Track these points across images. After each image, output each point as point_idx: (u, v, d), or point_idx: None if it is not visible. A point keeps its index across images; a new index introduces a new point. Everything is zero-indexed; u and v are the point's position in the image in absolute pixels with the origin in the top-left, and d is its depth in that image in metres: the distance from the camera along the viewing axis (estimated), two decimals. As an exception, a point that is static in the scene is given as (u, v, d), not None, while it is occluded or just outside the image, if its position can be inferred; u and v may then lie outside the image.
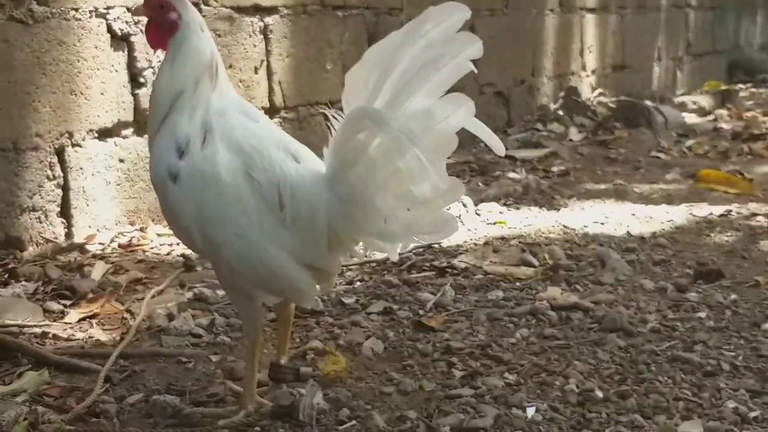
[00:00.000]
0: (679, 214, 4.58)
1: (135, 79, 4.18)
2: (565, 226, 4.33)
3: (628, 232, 4.21)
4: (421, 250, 3.78)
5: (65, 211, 3.89)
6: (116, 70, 4.10)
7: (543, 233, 4.21)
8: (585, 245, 3.98)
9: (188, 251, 3.69)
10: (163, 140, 2.20)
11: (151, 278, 3.48)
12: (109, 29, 4.05)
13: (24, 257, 3.61)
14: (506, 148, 2.31)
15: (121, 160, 4.14)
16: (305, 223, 2.18)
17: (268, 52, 4.91)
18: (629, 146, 6.78)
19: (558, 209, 4.73)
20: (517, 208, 4.74)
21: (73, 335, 2.90)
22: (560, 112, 7.53)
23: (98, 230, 4.00)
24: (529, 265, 3.65)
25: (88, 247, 3.81)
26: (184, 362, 2.68)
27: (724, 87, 9.81)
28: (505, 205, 4.78)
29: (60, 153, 3.87)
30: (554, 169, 5.78)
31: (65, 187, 3.88)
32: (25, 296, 3.18)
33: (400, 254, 2.37)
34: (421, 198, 2.16)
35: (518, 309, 3.13)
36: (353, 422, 2.29)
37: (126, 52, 4.13)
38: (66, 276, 3.42)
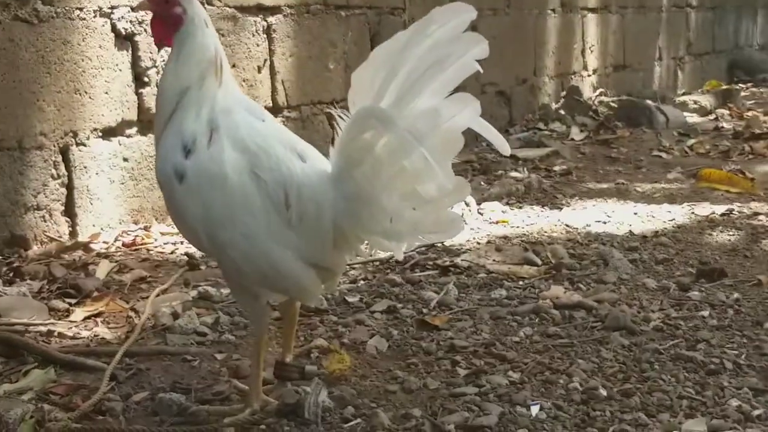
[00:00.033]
0: (681, 213, 4.60)
1: (139, 79, 4.20)
2: (567, 225, 4.34)
3: (630, 231, 4.22)
4: (424, 249, 3.79)
5: (69, 210, 3.91)
6: (120, 70, 4.11)
7: (545, 232, 4.22)
8: (587, 244, 4.00)
9: (192, 250, 3.71)
10: (170, 138, 2.20)
11: (155, 277, 3.50)
12: (114, 29, 4.06)
13: (29, 256, 3.63)
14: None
15: (125, 159, 4.15)
16: (311, 222, 2.19)
17: (271, 52, 4.92)
18: (631, 145, 6.79)
19: (560, 208, 4.75)
20: (520, 207, 4.75)
21: (78, 333, 2.91)
22: (562, 112, 7.54)
23: (102, 229, 4.02)
24: (532, 264, 3.67)
25: (92, 245, 3.83)
26: (189, 360, 2.69)
27: (724, 86, 9.82)
28: (507, 204, 4.79)
29: (64, 152, 3.88)
30: (556, 168, 5.79)
31: (69, 186, 3.90)
32: (30, 295, 3.19)
33: (404, 253, 2.37)
34: (426, 197, 2.17)
35: (521, 308, 3.14)
36: (358, 420, 2.30)
37: (130, 52, 4.15)
38: (71, 274, 3.43)
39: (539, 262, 3.69)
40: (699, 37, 11.03)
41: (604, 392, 2.45)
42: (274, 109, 4.94)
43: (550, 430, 2.26)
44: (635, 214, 4.61)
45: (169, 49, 2.31)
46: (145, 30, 4.17)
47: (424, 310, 3.13)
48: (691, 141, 6.89)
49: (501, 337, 2.88)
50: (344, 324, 2.99)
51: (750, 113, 8.39)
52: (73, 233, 3.91)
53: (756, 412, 2.34)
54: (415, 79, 2.11)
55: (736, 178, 5.29)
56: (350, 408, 2.35)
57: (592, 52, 8.51)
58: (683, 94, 9.78)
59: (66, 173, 3.88)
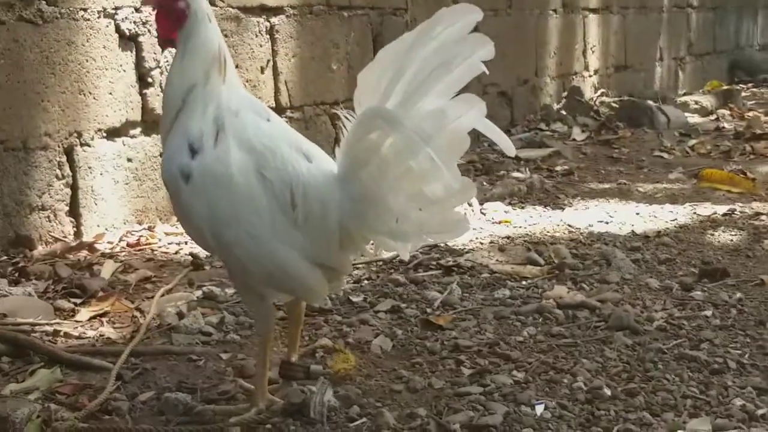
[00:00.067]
0: (683, 214, 4.61)
1: (143, 79, 4.21)
2: (569, 225, 4.36)
3: (632, 231, 4.23)
4: (427, 249, 3.80)
5: (74, 210, 3.92)
6: (124, 70, 4.12)
7: (548, 232, 4.24)
8: (590, 244, 4.01)
9: (197, 250, 3.72)
10: (176, 138, 2.20)
11: (160, 277, 3.51)
12: (117, 29, 4.07)
13: (34, 256, 3.64)
14: (512, 149, 2.32)
15: (129, 160, 4.16)
16: (317, 222, 2.20)
17: (274, 52, 4.93)
18: (632, 146, 6.80)
19: (562, 208, 4.76)
20: (522, 208, 4.76)
21: (84, 333, 2.92)
22: (563, 112, 7.56)
23: (107, 229, 4.03)
24: (535, 263, 3.68)
25: (96, 246, 3.84)
26: (194, 360, 2.70)
27: (725, 87, 9.83)
28: (509, 204, 4.81)
29: (69, 152, 3.89)
30: (558, 168, 5.81)
31: (74, 187, 3.91)
32: (35, 295, 3.20)
33: (409, 253, 2.38)
34: (433, 198, 2.18)
35: (525, 307, 3.15)
36: (364, 419, 2.31)
37: (134, 52, 4.16)
38: (76, 275, 3.44)
39: (542, 262, 3.70)
40: (700, 38, 11.05)
41: (608, 392, 2.46)
42: (277, 110, 4.95)
43: (555, 430, 2.27)
44: (637, 214, 4.63)
45: (173, 50, 2.31)
46: (149, 31, 4.18)
47: (428, 310, 3.14)
48: (693, 141, 6.90)
49: (505, 337, 2.89)
50: (349, 324, 3.00)
51: (751, 113, 8.41)
52: (77, 233, 3.92)
53: (760, 412, 2.35)
54: (422, 80, 2.11)
55: (738, 179, 5.30)
56: (355, 407, 2.36)
57: (593, 52, 8.52)
58: (684, 94, 9.79)
59: (70, 173, 3.89)
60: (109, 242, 3.93)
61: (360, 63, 5.52)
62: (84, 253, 3.75)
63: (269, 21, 4.89)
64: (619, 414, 2.35)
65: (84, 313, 3.07)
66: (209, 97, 2.20)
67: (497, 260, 3.75)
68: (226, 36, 4.49)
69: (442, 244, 3.86)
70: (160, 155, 4.24)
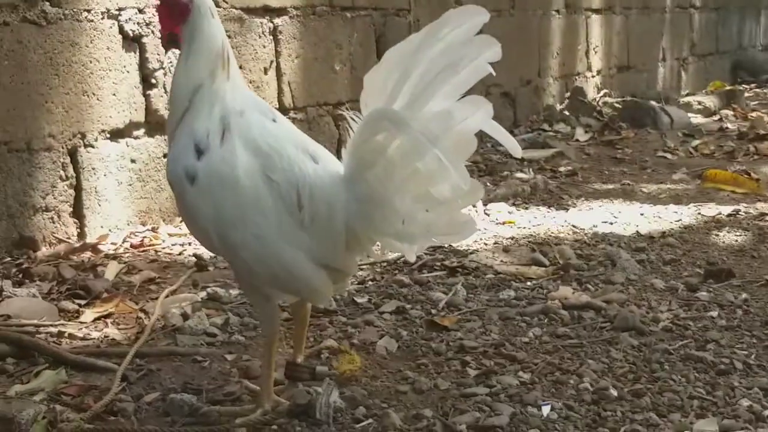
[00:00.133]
0: (687, 214, 4.60)
1: (146, 80, 4.20)
2: (574, 226, 4.35)
3: (637, 232, 4.23)
4: (431, 250, 3.79)
5: (78, 212, 3.92)
6: (128, 71, 4.12)
7: (552, 233, 4.23)
8: (595, 245, 4.00)
9: (200, 251, 3.72)
10: (182, 139, 2.20)
11: (164, 278, 3.50)
12: (121, 30, 4.07)
13: (38, 257, 3.63)
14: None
15: (133, 161, 4.16)
16: (323, 223, 2.19)
17: (277, 53, 4.93)
18: (635, 146, 6.79)
19: (566, 209, 4.75)
20: (526, 208, 4.76)
21: (88, 334, 2.92)
22: (566, 113, 7.55)
23: (110, 230, 4.03)
24: (540, 264, 3.67)
25: (100, 247, 3.83)
26: (199, 361, 2.70)
27: (728, 87, 9.82)
28: (513, 205, 4.80)
29: (72, 153, 3.89)
30: (561, 169, 5.80)
31: (78, 188, 3.91)
32: (40, 296, 3.20)
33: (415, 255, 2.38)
34: (440, 199, 2.17)
35: (530, 308, 3.14)
36: (370, 420, 2.30)
37: (137, 53, 4.16)
38: (80, 276, 3.44)
39: (547, 262, 3.69)
40: (702, 38, 11.04)
41: (614, 392, 2.45)
42: (280, 111, 4.88)
43: (562, 430, 2.27)
44: (641, 214, 4.62)
45: (177, 52, 2.31)
46: (153, 32, 4.18)
47: (433, 311, 3.13)
48: (696, 142, 6.90)
49: (510, 338, 2.88)
50: (353, 325, 2.99)
51: (754, 114, 8.39)
52: (81, 234, 3.92)
53: (767, 412, 2.35)
54: (428, 81, 2.11)
55: (742, 179, 5.29)
56: (361, 408, 2.35)
57: (596, 53, 8.52)
58: (687, 94, 9.78)
59: (74, 175, 3.89)
60: (112, 243, 3.92)
61: (363, 64, 5.53)
62: (88, 254, 3.75)
63: (272, 22, 4.89)
64: (626, 415, 2.35)
65: (88, 315, 3.06)
66: (215, 97, 2.20)
67: (502, 261, 3.74)
68: (229, 37, 4.46)
69: (446, 245, 3.85)
70: (164, 156, 4.24)
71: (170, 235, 4.12)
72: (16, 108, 3.66)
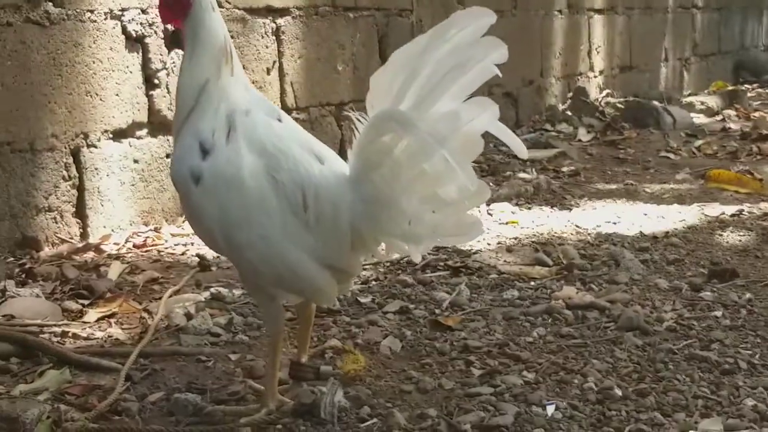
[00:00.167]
0: (691, 214, 4.60)
1: (149, 81, 4.20)
2: (577, 226, 4.35)
3: (640, 232, 4.22)
4: (435, 249, 3.79)
5: (80, 212, 3.92)
6: (131, 72, 4.12)
7: (555, 233, 4.23)
8: (598, 245, 4.00)
9: (203, 251, 3.72)
10: (187, 138, 2.20)
11: (167, 278, 3.50)
12: (124, 31, 4.07)
13: (40, 257, 3.64)
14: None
15: (136, 161, 4.16)
16: (329, 224, 2.19)
17: (280, 54, 4.93)
18: (638, 146, 6.79)
19: (569, 209, 4.75)
20: (529, 208, 4.75)
21: (92, 334, 2.92)
22: (569, 113, 7.54)
23: (113, 230, 4.03)
24: (543, 264, 3.67)
25: (103, 247, 3.83)
26: (203, 361, 2.69)
27: (730, 87, 9.81)
28: (516, 205, 4.80)
29: (75, 154, 3.89)
30: (564, 169, 5.80)
31: (80, 188, 3.91)
32: (43, 296, 3.20)
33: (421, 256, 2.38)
34: (447, 200, 2.17)
35: (534, 308, 3.14)
36: (374, 420, 2.30)
37: (140, 54, 4.15)
38: (83, 276, 3.43)
39: (550, 262, 3.69)
40: (705, 38, 11.03)
41: (619, 392, 2.45)
42: (283, 111, 4.94)
43: (567, 430, 2.27)
44: (645, 214, 4.62)
45: (180, 52, 2.31)
46: (156, 32, 4.18)
47: (437, 311, 3.13)
48: (699, 142, 6.89)
49: (514, 338, 2.88)
50: (357, 324, 2.99)
51: (757, 114, 8.39)
52: (84, 235, 3.92)
53: (772, 412, 2.34)
54: (435, 82, 2.10)
55: (745, 179, 5.29)
56: (366, 408, 2.35)
57: (598, 53, 8.51)
58: (689, 95, 9.78)
59: (77, 175, 3.89)
60: (115, 243, 3.92)
61: (366, 64, 5.53)
62: (90, 254, 3.75)
63: (275, 22, 4.89)
64: (631, 414, 2.34)
65: (92, 314, 3.06)
66: (222, 94, 2.19)
67: (505, 261, 3.74)
68: (232, 37, 4.46)
69: (450, 246, 3.84)
70: (167, 156, 4.25)
71: (173, 235, 4.12)
72: (19, 108, 3.66)
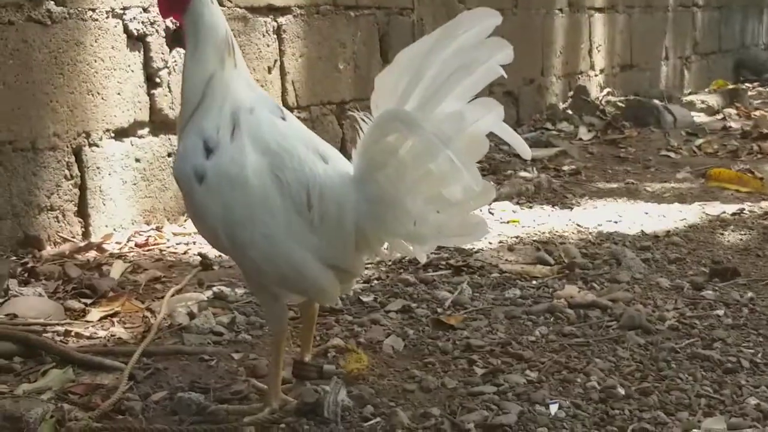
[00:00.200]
0: (692, 213, 4.60)
1: (151, 79, 4.20)
2: (578, 225, 4.35)
3: (642, 231, 4.22)
4: (437, 248, 3.78)
5: (82, 211, 3.92)
6: (132, 70, 4.12)
7: (557, 232, 4.23)
8: (599, 244, 4.00)
9: (205, 250, 3.72)
10: (191, 137, 2.19)
11: (169, 277, 3.50)
12: (126, 29, 4.07)
13: (43, 256, 3.63)
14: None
15: (138, 160, 4.16)
16: (333, 223, 2.19)
17: (281, 52, 4.93)
18: (639, 145, 6.79)
19: (571, 208, 4.75)
20: (530, 207, 4.76)
21: (95, 333, 2.92)
22: (569, 112, 7.55)
23: (115, 229, 4.03)
24: (545, 263, 3.67)
25: (105, 246, 3.83)
26: (206, 360, 2.70)
27: (731, 86, 9.81)
28: (517, 204, 4.80)
29: (77, 153, 3.89)
30: (565, 168, 5.80)
31: (82, 187, 3.91)
32: (45, 295, 3.20)
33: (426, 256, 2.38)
34: (452, 200, 2.17)
35: (536, 307, 3.14)
36: (378, 419, 2.30)
37: (142, 52, 4.16)
38: (85, 275, 3.43)
39: (552, 261, 3.69)
40: (705, 37, 11.03)
41: (622, 391, 2.45)
42: (285, 110, 4.94)
43: (570, 429, 2.27)
44: (646, 213, 4.62)
45: (182, 51, 2.31)
46: (157, 31, 4.18)
47: (439, 310, 3.13)
48: (700, 140, 6.89)
49: (517, 337, 2.88)
50: (360, 323, 2.99)
51: (757, 113, 8.39)
52: (85, 234, 3.92)
53: (775, 411, 2.35)
54: (441, 83, 2.11)
55: (746, 178, 5.30)
56: (369, 407, 2.35)
57: (599, 51, 8.51)
58: (690, 93, 9.78)
59: (79, 174, 3.89)
60: (117, 242, 3.92)
61: (367, 63, 5.53)
62: (93, 253, 3.75)
63: (276, 21, 4.89)
64: (634, 413, 2.35)
65: (94, 314, 3.06)
66: (226, 90, 2.19)
67: (507, 260, 3.74)
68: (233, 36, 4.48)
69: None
70: (168, 155, 4.25)
71: (175, 234, 4.12)
72: (21, 107, 3.67)
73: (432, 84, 2.11)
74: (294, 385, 2.47)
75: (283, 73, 4.95)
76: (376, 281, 3.45)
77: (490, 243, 4.01)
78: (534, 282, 3.45)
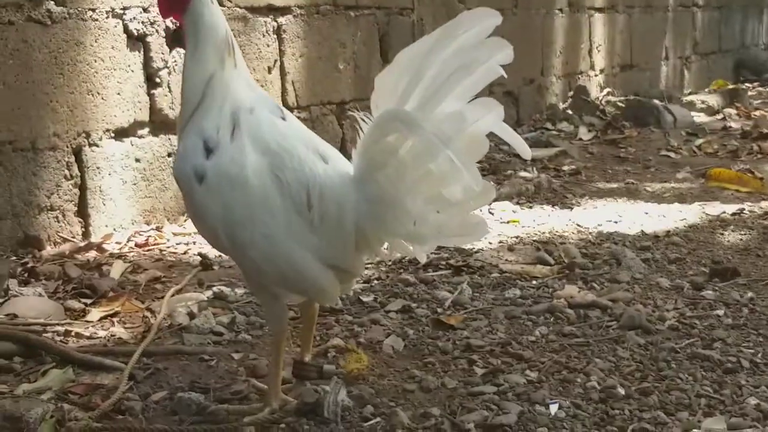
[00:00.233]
0: (692, 213, 4.60)
1: (151, 79, 4.20)
2: (578, 225, 4.35)
3: (642, 231, 4.22)
4: (436, 248, 3.78)
5: (82, 211, 3.92)
6: (132, 70, 4.12)
7: (557, 232, 4.23)
8: (599, 244, 4.00)
9: (205, 250, 3.72)
10: (191, 137, 2.19)
11: (169, 277, 3.50)
12: (126, 29, 4.07)
13: (43, 256, 3.63)
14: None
15: (137, 160, 4.16)
16: (333, 223, 2.19)
17: (281, 52, 4.93)
18: (639, 145, 6.79)
19: (571, 208, 4.75)
20: (530, 207, 4.76)
21: (95, 333, 2.92)
22: (569, 112, 7.55)
23: (115, 229, 4.03)
24: (545, 263, 3.67)
25: (105, 246, 3.83)
26: (206, 360, 2.70)
27: (731, 86, 9.81)
28: (517, 204, 4.80)
29: (77, 153, 3.89)
30: (565, 168, 5.80)
31: (82, 187, 3.91)
32: (46, 295, 3.20)
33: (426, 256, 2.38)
34: (452, 200, 2.17)
35: (536, 307, 3.14)
36: (378, 419, 2.30)
37: (142, 52, 4.16)
38: (85, 275, 3.43)
39: (552, 261, 3.69)
40: (705, 37, 11.03)
41: (622, 391, 2.45)
42: (285, 110, 4.94)
43: (570, 429, 2.27)
44: (646, 213, 4.62)
45: (182, 51, 2.31)
46: (157, 31, 4.18)
47: (439, 310, 3.13)
48: (700, 140, 6.90)
49: (517, 337, 2.88)
50: (360, 323, 2.99)
51: (757, 113, 8.40)
52: (85, 234, 3.92)
53: (775, 411, 2.35)
54: (441, 83, 2.11)
55: (746, 178, 5.30)
56: (369, 407, 2.35)
57: (599, 51, 8.51)
58: (690, 93, 9.78)
59: (79, 174, 3.89)
60: (117, 243, 3.93)
61: (367, 63, 5.53)
62: (93, 253, 3.75)
63: (276, 21, 4.89)
64: (634, 413, 2.35)
65: (95, 314, 3.06)
66: (226, 91, 2.19)
67: (507, 260, 3.74)
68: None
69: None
70: (168, 155, 4.25)
71: (175, 234, 4.12)
72: (21, 107, 3.67)
73: (432, 84, 2.11)
74: (294, 385, 2.47)
75: (283, 73, 4.95)
76: (376, 281, 3.45)
77: (490, 243, 4.01)
78: (534, 282, 3.45)
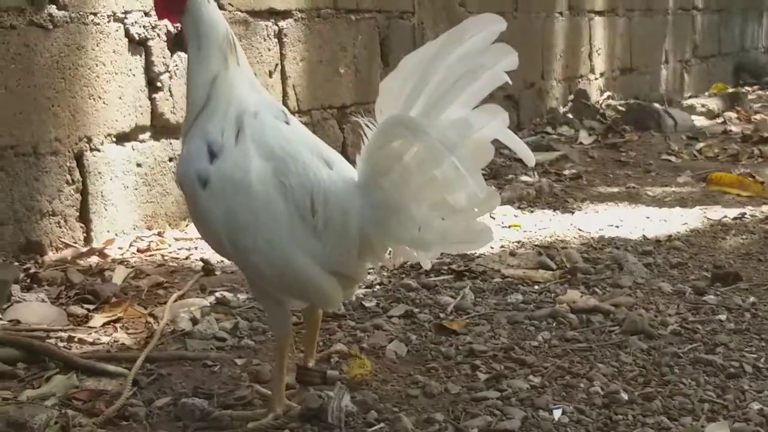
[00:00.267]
0: (693, 217, 4.60)
1: (152, 84, 4.20)
2: (580, 229, 4.35)
3: (643, 235, 4.23)
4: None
5: (84, 216, 3.92)
6: (134, 75, 4.12)
7: (558, 236, 4.23)
8: (601, 248, 4.00)
9: (208, 256, 3.72)
10: (195, 140, 2.19)
11: (171, 282, 3.50)
12: (127, 33, 4.07)
13: (45, 262, 3.63)
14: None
15: (139, 165, 4.16)
16: (337, 229, 2.19)
17: (282, 56, 4.93)
18: (639, 149, 6.80)
19: (572, 212, 4.76)
20: (531, 212, 4.76)
21: (98, 339, 2.92)
22: (570, 115, 7.55)
23: (116, 235, 4.02)
24: (547, 268, 3.67)
25: (107, 251, 3.83)
26: (209, 366, 2.69)
27: (731, 89, 9.82)
28: (519, 208, 4.80)
29: (79, 157, 3.89)
30: (566, 172, 5.80)
31: (84, 192, 3.91)
32: (48, 301, 3.20)
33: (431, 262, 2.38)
34: (457, 207, 2.17)
35: (538, 312, 3.14)
36: (381, 425, 2.30)
37: (143, 57, 4.16)
38: (88, 280, 3.43)
39: (554, 266, 3.69)
40: (705, 40, 11.04)
41: (625, 396, 2.45)
42: (286, 114, 4.94)
43: (574, 434, 2.27)
44: (647, 218, 4.62)
45: (183, 55, 2.31)
46: (158, 35, 4.18)
47: (442, 315, 3.13)
48: (700, 144, 6.90)
49: (519, 342, 2.89)
50: (362, 329, 2.99)
51: (758, 116, 8.40)
52: (87, 239, 3.92)
53: (778, 416, 2.35)
54: (446, 89, 2.11)
55: (747, 182, 5.30)
56: (373, 412, 2.35)
57: (599, 55, 8.52)
58: (690, 97, 9.79)
59: (80, 179, 3.89)
60: (119, 248, 3.92)
61: (367, 67, 5.53)
62: (95, 258, 3.75)
63: (277, 25, 4.89)
64: (637, 418, 2.35)
65: (97, 319, 3.06)
66: (230, 93, 2.18)
67: (508, 264, 3.74)
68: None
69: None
70: (170, 160, 4.25)
71: (176, 239, 4.12)
72: (22, 112, 3.67)
73: (437, 90, 2.11)
74: (297, 391, 2.47)
75: (284, 77, 4.96)
76: (378, 286, 3.45)
77: (492, 248, 4.01)
78: (536, 287, 3.45)
